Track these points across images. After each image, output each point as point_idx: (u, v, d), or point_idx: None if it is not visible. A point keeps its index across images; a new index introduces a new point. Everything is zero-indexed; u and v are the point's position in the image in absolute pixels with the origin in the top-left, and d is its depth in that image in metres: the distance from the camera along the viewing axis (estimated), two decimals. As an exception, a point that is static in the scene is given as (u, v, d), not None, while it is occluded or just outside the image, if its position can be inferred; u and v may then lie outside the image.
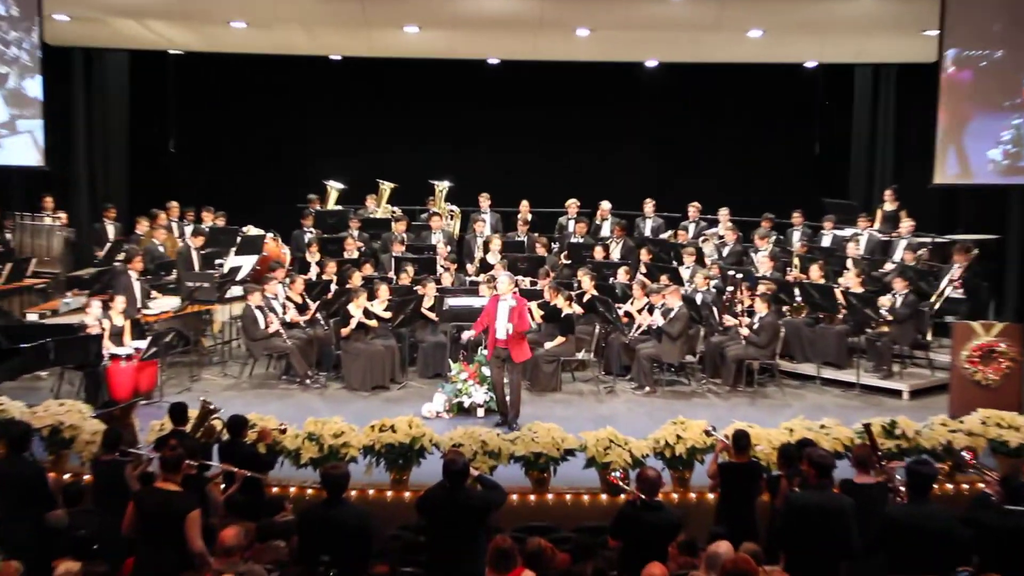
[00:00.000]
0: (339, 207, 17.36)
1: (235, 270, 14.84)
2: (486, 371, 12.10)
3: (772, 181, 19.14)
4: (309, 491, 9.48)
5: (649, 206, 16.82)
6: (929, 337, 13.69)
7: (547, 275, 14.20)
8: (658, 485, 7.14)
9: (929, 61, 13.87)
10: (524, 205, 16.89)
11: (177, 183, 19.13)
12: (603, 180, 19.18)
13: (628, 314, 13.64)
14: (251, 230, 15.99)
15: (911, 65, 17.13)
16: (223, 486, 8.29)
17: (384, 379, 13.10)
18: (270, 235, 16.02)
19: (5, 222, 15.82)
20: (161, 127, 19.55)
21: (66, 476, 9.62)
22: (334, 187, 17.52)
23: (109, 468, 8.07)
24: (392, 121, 19.75)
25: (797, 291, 13.93)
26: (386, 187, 17.34)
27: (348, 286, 13.69)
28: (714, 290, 14.13)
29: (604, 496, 9.47)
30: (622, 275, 14.47)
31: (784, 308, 14.03)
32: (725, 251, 15.73)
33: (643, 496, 7.03)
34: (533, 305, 13.32)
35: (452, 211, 17.32)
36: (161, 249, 15.10)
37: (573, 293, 13.61)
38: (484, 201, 16.79)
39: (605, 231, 16.61)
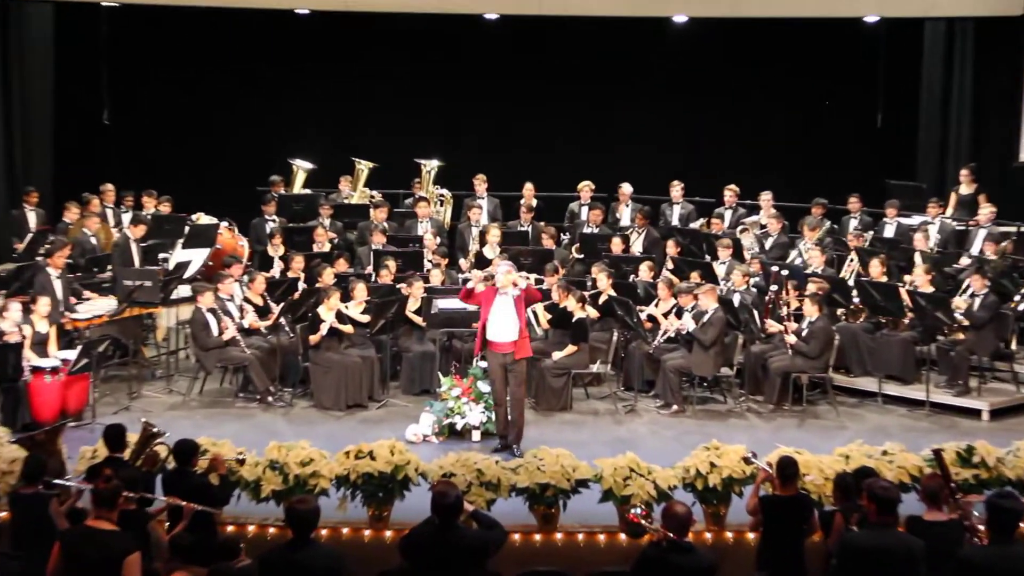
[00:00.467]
0: (307, 191, 17.39)
1: (183, 266, 14.85)
2: (483, 387, 12.11)
3: (824, 159, 19.16)
4: (271, 530, 9.46)
5: (677, 189, 16.84)
6: (1013, 346, 13.69)
7: (555, 272, 14.20)
8: (688, 523, 7.14)
9: (1014, 14, 13.89)
10: (528, 188, 16.91)
11: (113, 161, 19.14)
12: (622, 158, 19.19)
13: (652, 318, 13.65)
14: (202, 218, 15.99)
15: (992, 19, 17.14)
16: (168, 524, 8.29)
17: (361, 396, 13.11)
18: (224, 224, 16.02)
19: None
20: (93, 94, 19.57)
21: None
22: (301, 167, 17.55)
23: (31, 503, 8.06)
24: (370, 88, 19.77)
25: (854, 291, 13.93)
26: (363, 167, 17.37)
27: (318, 285, 13.70)
28: (755, 290, 14.13)
29: (623, 536, 9.47)
30: (645, 272, 14.48)
31: (839, 311, 14.04)
32: (768, 243, 15.75)
33: (670, 535, 7.03)
34: (538, 307, 13.33)
35: (442, 196, 17.35)
36: (94, 241, 15.12)
37: (586, 293, 13.61)
38: (480, 184, 16.82)
39: (625, 219, 16.63)
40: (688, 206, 16.87)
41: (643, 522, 7.55)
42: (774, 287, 13.77)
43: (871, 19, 18.07)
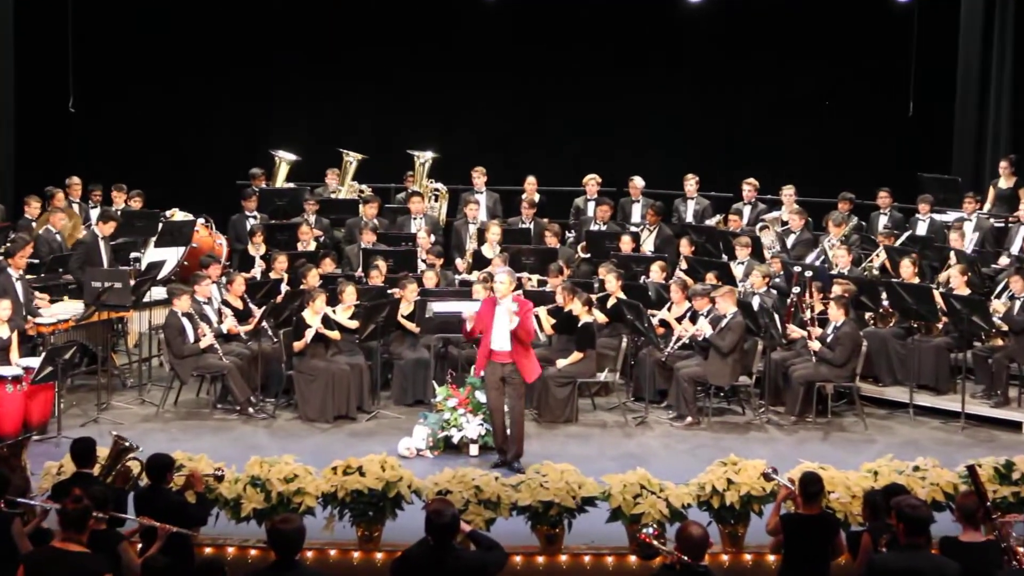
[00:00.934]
0: (291, 185, 17.41)
1: (156, 266, 14.88)
2: (481, 396, 12.14)
3: (851, 150, 19.19)
4: (252, 552, 9.50)
5: (691, 183, 16.87)
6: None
7: (560, 273, 14.24)
8: (703, 544, 7.16)
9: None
10: (530, 182, 16.94)
11: (79, 153, 19.18)
12: (632, 149, 19.24)
13: (664, 323, 13.68)
14: (177, 215, 16.03)
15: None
16: (140, 546, 8.31)
17: (349, 407, 13.13)
18: (201, 221, 16.06)
19: None
20: (58, 79, 19.60)
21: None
22: (284, 159, 17.58)
23: (-8, 523, 8.08)
24: (359, 73, 19.81)
25: (884, 293, 13.96)
26: (352, 159, 17.39)
27: (303, 287, 13.73)
28: (775, 292, 14.16)
29: (633, 558, 9.50)
30: (657, 273, 14.51)
31: (867, 315, 14.06)
32: (790, 241, 15.78)
33: (684, 558, 7.06)
34: (542, 311, 13.35)
35: (437, 190, 17.38)
36: (59, 239, 15.14)
37: (594, 296, 13.64)
38: (478, 177, 16.85)
39: (635, 216, 16.66)
40: (703, 201, 16.90)
41: (655, 543, 7.58)
42: (796, 289, 13.80)
43: (903, -2, 18.10)
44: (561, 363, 13.16)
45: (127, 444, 9.02)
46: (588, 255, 15.63)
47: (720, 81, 19.68)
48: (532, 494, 9.65)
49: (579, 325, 13.14)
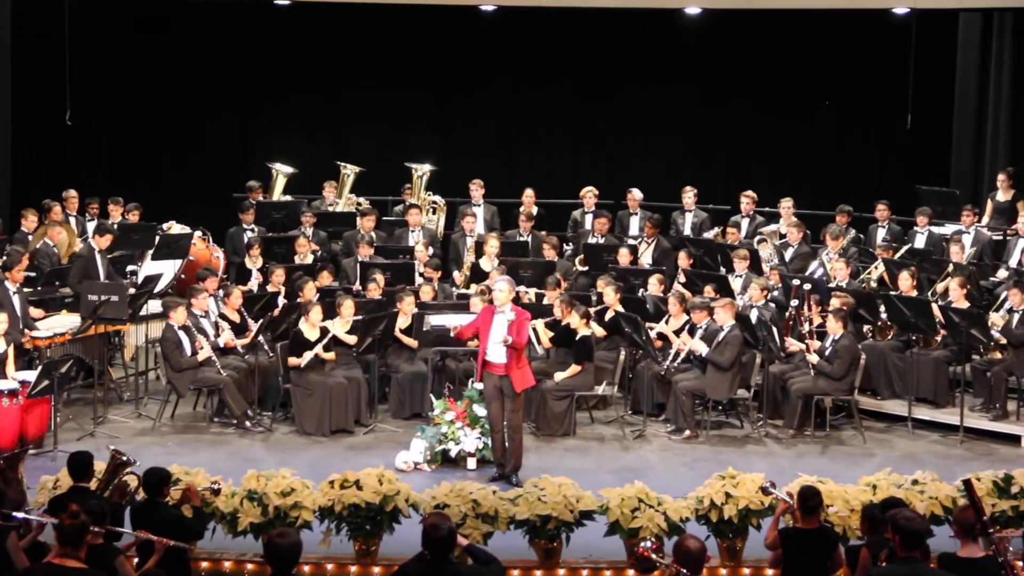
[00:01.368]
0: (288, 198, 17.42)
1: (153, 279, 14.89)
2: (479, 410, 12.14)
3: (849, 163, 19.24)
4: (249, 566, 9.51)
5: (689, 196, 16.88)
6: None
7: (558, 286, 14.25)
8: (701, 558, 7.17)
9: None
10: (528, 195, 16.95)
11: (76, 165, 19.20)
12: (630, 162, 19.27)
13: (662, 336, 13.69)
14: (174, 227, 16.03)
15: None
16: (137, 560, 8.32)
17: (347, 420, 13.13)
18: (198, 234, 16.07)
19: None
20: (55, 92, 19.61)
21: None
22: (282, 171, 17.59)
23: (-12, 537, 8.08)
24: (356, 85, 19.84)
25: (882, 306, 13.97)
26: (349, 172, 17.41)
27: (300, 300, 13.74)
28: (773, 305, 14.17)
29: (631, 572, 9.49)
30: (655, 286, 14.52)
31: (865, 328, 14.08)
32: (788, 254, 15.79)
33: (682, 572, 7.07)
34: (539, 324, 13.36)
35: (435, 203, 17.40)
36: (56, 252, 15.15)
37: (591, 309, 13.65)
38: (476, 190, 16.86)
39: (633, 228, 16.67)
40: (701, 214, 16.91)
41: (653, 557, 7.59)
42: (795, 302, 13.80)
43: (901, 10, 18.09)
44: (559, 376, 13.16)
45: (125, 458, 9.02)
46: (586, 268, 15.64)
47: (718, 93, 19.71)
48: (530, 508, 9.65)
49: (577, 338, 13.14)
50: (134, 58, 19.59)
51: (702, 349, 13.08)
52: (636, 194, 16.89)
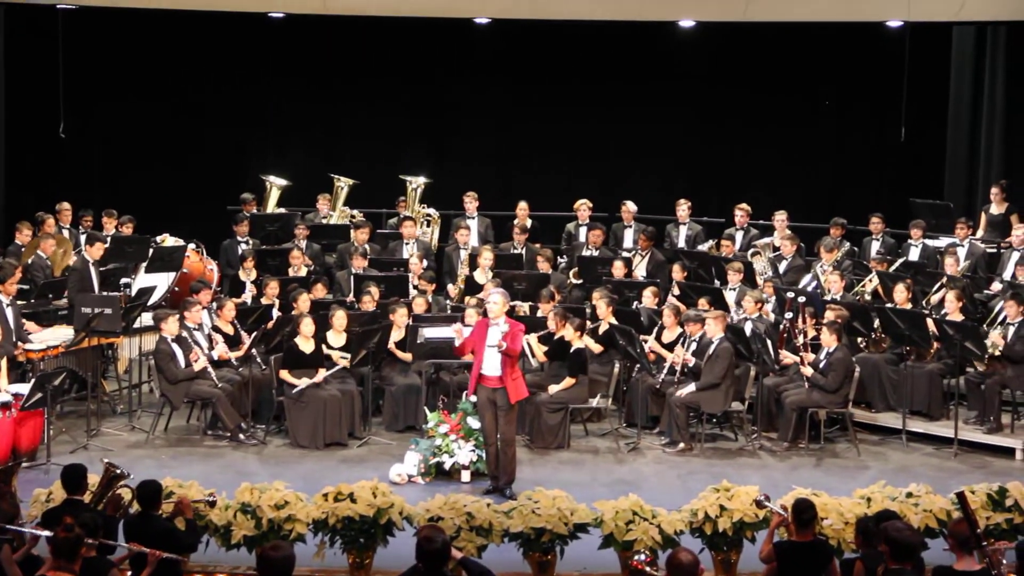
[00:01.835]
0: (282, 210, 17.43)
1: (146, 292, 14.88)
2: (473, 423, 12.15)
3: (843, 176, 19.25)
4: (242, 580, 9.52)
5: (683, 208, 16.90)
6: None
7: (552, 298, 14.26)
8: (695, 571, 7.17)
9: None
10: (522, 208, 16.96)
11: (70, 178, 19.19)
12: (624, 175, 19.27)
13: (656, 349, 13.71)
14: (167, 240, 16.03)
15: (1026, 24, 17.24)
16: (130, 573, 8.31)
17: (340, 433, 13.13)
18: (192, 246, 16.06)
19: None
20: (48, 104, 19.61)
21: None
22: (275, 184, 17.60)
23: (-18, 550, 8.07)
24: (351, 99, 19.85)
25: (876, 319, 14.00)
26: (343, 184, 17.43)
27: (294, 312, 13.74)
28: (768, 318, 14.19)
29: (626, 585, 9.51)
30: (649, 298, 14.54)
31: (859, 341, 14.10)
32: (782, 267, 15.81)
33: (676, 585, 7.08)
34: (532, 338, 13.37)
35: (429, 216, 17.41)
36: (49, 264, 15.14)
37: (586, 322, 13.67)
38: (470, 202, 16.87)
39: (627, 241, 16.69)
40: (696, 227, 16.93)
41: (647, 569, 7.59)
42: (789, 314, 13.81)
43: (894, 24, 18.11)
44: (553, 389, 13.17)
45: (118, 471, 9.02)
46: (580, 280, 15.64)
47: (713, 106, 19.72)
48: (524, 520, 9.65)
49: (571, 351, 13.16)
50: (128, 70, 19.58)
51: (695, 359, 13.12)
52: (630, 206, 16.91)
